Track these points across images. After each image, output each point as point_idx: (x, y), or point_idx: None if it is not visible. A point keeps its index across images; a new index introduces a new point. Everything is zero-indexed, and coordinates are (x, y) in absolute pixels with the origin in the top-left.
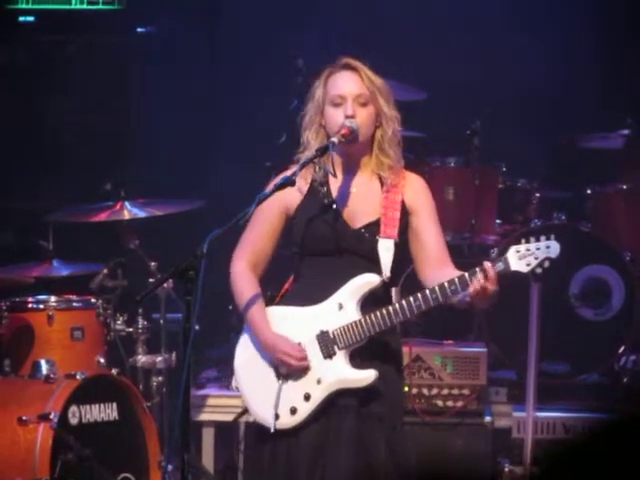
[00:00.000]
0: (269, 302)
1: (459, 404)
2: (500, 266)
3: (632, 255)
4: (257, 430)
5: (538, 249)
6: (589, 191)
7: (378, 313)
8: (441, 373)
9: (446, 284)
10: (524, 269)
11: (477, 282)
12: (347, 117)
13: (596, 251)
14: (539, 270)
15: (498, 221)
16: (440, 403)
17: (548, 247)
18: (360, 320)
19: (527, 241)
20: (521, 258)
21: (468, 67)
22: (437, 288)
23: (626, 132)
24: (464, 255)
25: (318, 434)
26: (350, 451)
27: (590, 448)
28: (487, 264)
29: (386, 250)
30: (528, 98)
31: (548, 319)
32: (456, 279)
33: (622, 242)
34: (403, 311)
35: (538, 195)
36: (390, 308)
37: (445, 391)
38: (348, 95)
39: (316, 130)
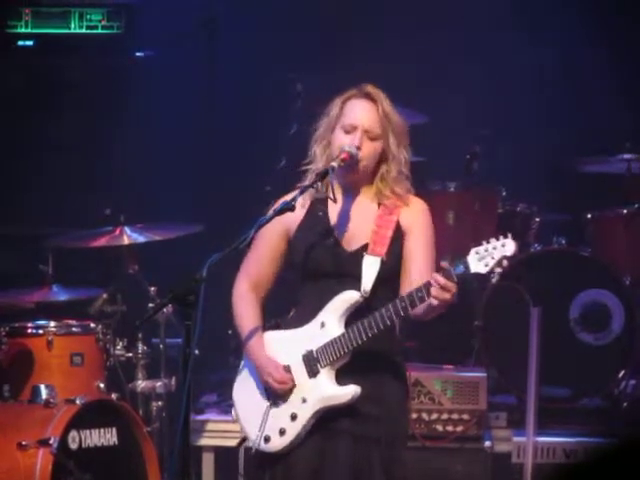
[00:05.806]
0: (274, 329)
1: (459, 429)
2: (461, 269)
3: (632, 279)
4: (256, 455)
5: (494, 248)
6: (589, 215)
7: (354, 327)
8: (441, 398)
9: (414, 291)
10: (483, 270)
11: (438, 284)
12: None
13: (596, 275)
14: (498, 270)
15: None
16: (440, 428)
17: (503, 245)
18: (339, 336)
19: (488, 242)
20: (480, 260)
21: (469, 91)
22: (406, 297)
23: (627, 156)
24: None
25: (314, 458)
26: (346, 474)
27: (591, 474)
28: (446, 265)
29: (369, 266)
30: (528, 122)
31: (548, 343)
32: (422, 286)
33: (622, 266)
34: (377, 322)
35: (538, 219)
36: (365, 321)
37: (445, 416)
38: (360, 126)
39: (324, 146)
